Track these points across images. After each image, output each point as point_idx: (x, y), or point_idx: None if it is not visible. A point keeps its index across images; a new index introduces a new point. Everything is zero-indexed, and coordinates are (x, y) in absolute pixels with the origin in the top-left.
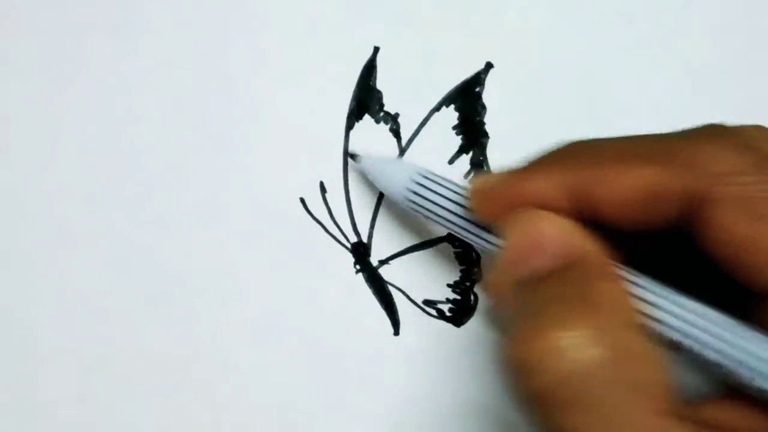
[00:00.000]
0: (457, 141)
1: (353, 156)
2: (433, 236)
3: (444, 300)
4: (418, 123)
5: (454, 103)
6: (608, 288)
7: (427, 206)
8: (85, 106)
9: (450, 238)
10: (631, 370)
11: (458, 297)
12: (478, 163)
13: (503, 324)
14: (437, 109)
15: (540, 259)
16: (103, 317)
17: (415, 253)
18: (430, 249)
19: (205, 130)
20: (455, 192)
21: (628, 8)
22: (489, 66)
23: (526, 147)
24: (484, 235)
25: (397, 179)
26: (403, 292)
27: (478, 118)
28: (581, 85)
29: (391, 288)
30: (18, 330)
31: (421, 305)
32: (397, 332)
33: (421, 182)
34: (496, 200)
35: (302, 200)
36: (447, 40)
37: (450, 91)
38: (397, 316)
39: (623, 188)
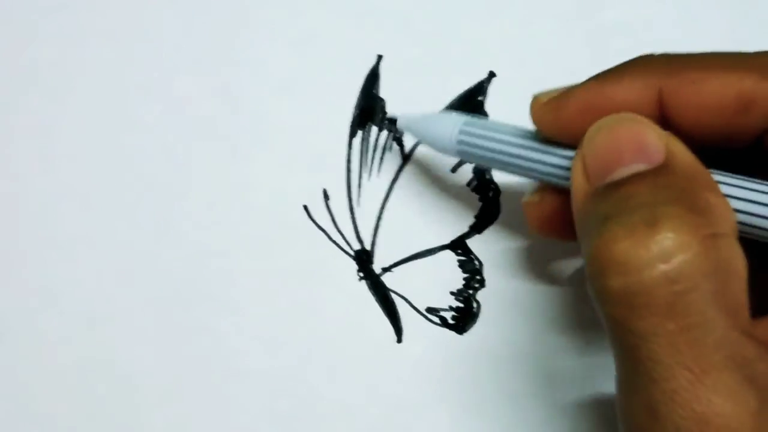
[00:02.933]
0: None
1: (392, 120)
2: (437, 244)
3: (447, 307)
4: None
5: (456, 112)
6: (714, 198)
7: (478, 152)
8: (87, 113)
9: (453, 246)
10: (726, 284)
11: (461, 304)
12: (481, 172)
13: (583, 230)
14: None
15: (641, 161)
16: (106, 323)
17: (418, 261)
18: (433, 256)
19: (209, 138)
20: (506, 131)
21: (629, 17)
22: (492, 75)
23: None
24: (548, 159)
25: (444, 132)
26: (406, 300)
27: None
28: None
29: (393, 295)
30: (21, 335)
31: (424, 313)
32: (399, 339)
33: (469, 129)
34: (573, 111)
35: (305, 208)
36: (450, 49)
37: (453, 100)
38: (400, 323)
39: (716, 93)
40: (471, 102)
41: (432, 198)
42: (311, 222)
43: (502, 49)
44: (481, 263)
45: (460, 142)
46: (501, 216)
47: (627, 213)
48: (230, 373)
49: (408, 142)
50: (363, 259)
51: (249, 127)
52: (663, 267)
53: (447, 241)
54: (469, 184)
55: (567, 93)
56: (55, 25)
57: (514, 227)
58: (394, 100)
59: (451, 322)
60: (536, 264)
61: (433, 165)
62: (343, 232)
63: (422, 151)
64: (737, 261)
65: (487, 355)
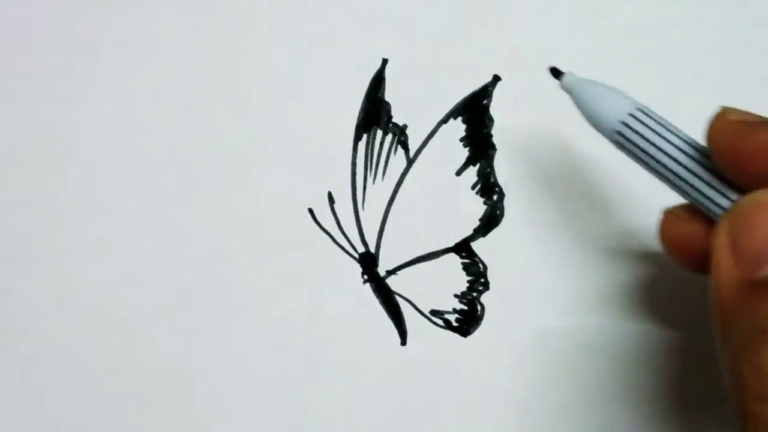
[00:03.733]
0: (464, 153)
1: (557, 72)
2: (441, 247)
3: (451, 310)
4: (426, 134)
5: (461, 115)
6: None
7: (636, 150)
8: (97, 118)
9: (457, 249)
10: None
11: (465, 307)
12: (486, 175)
13: (729, 329)
14: (445, 120)
15: None
16: (113, 327)
17: (423, 264)
18: (438, 259)
19: (215, 142)
20: (680, 137)
21: (636, 21)
22: (496, 78)
23: (533, 159)
24: (711, 191)
25: (610, 109)
26: (411, 302)
27: (485, 130)
28: None
29: (398, 298)
30: (29, 338)
31: (428, 315)
32: (404, 342)
33: (640, 118)
34: (754, 147)
35: (311, 211)
36: (455, 53)
37: (458, 103)
38: (404, 326)
39: None
40: (476, 105)
41: (436, 201)
42: (316, 225)
43: (507, 52)
44: (485, 266)
45: (620, 133)
46: (505, 219)
47: None
48: (236, 375)
49: (413, 145)
50: (368, 261)
51: (254, 130)
52: None
53: (451, 244)
54: (473, 187)
55: (753, 124)
56: (66, 31)
57: (519, 230)
58: (399, 104)
59: (455, 324)
60: (541, 267)
61: (437, 168)
62: (348, 235)
63: (427, 154)
64: None
65: (491, 357)
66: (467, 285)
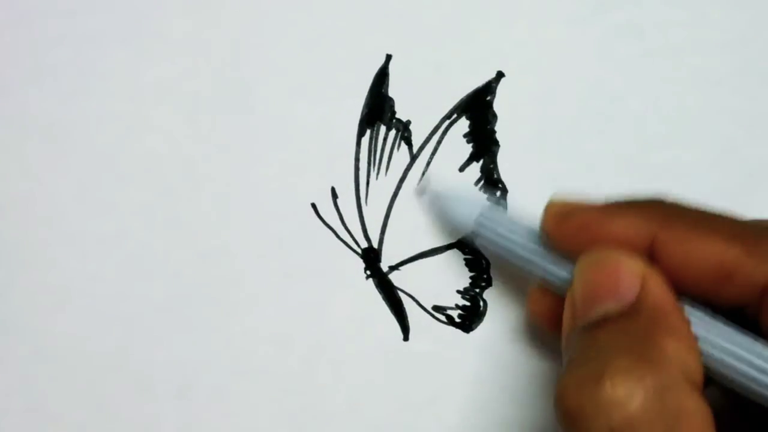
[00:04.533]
0: (467, 149)
1: (421, 189)
2: (443, 243)
3: (453, 306)
4: (430, 130)
5: (465, 112)
6: (673, 344)
7: (490, 244)
8: (101, 113)
9: (460, 245)
10: (680, 430)
11: (467, 303)
12: (489, 171)
13: (564, 358)
14: (448, 117)
15: (611, 301)
16: (114, 323)
17: (425, 259)
18: (440, 255)
19: (218, 137)
20: (524, 227)
21: (640, 20)
22: (500, 75)
23: (536, 155)
24: (552, 268)
25: (465, 213)
26: (413, 298)
27: (488, 127)
28: (591, 96)
29: (400, 293)
30: (33, 334)
31: (431, 311)
32: (406, 338)
33: (490, 217)
34: (574, 228)
35: (314, 206)
36: (458, 49)
37: (461, 100)
38: (407, 321)
39: (700, 257)
40: (479, 102)
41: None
42: (319, 220)
43: (510, 49)
44: (488, 262)
45: (475, 231)
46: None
47: (582, 362)
48: (239, 370)
49: (416, 141)
50: (370, 257)
51: (258, 125)
52: (606, 421)
53: (454, 239)
54: (477, 183)
55: (572, 209)
56: (69, 27)
57: None
58: (403, 100)
59: (457, 320)
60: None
61: (441, 164)
62: (351, 231)
63: (430, 150)
64: (691, 410)
65: (493, 353)
66: (470, 281)
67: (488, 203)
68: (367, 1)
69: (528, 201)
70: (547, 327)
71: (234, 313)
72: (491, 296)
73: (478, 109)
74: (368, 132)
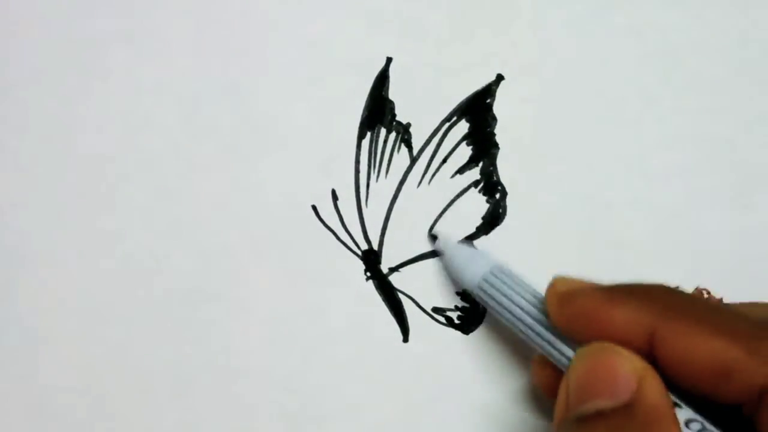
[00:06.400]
0: (467, 151)
1: (433, 236)
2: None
3: (453, 308)
4: (430, 133)
5: (465, 114)
6: None
7: (494, 304)
8: (100, 113)
9: None
10: None
11: (467, 305)
12: (488, 174)
13: None
14: (448, 119)
15: (606, 397)
16: (114, 321)
17: (425, 261)
18: (440, 257)
19: (219, 138)
20: (529, 293)
21: (638, 22)
22: (500, 78)
23: (535, 158)
24: (552, 341)
25: (472, 270)
26: (413, 300)
27: (488, 129)
28: (590, 98)
29: (400, 295)
30: (31, 332)
31: (430, 313)
32: (406, 339)
33: (497, 277)
34: (575, 313)
35: (314, 208)
36: (459, 52)
37: (461, 102)
38: (407, 323)
39: (699, 353)
40: (479, 104)
41: (439, 199)
42: (320, 222)
43: (510, 51)
44: None
45: (480, 288)
46: (507, 218)
47: None
48: (238, 371)
49: (416, 144)
50: (370, 259)
51: (259, 128)
52: None
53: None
54: (476, 185)
55: (574, 293)
56: (69, 27)
57: (521, 229)
58: (404, 103)
59: (457, 322)
60: (542, 265)
61: (440, 166)
62: (351, 233)
63: (430, 153)
64: None
65: (493, 355)
66: None
67: (495, 263)
68: (368, 3)
69: (528, 204)
70: (548, 395)
71: (234, 314)
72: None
73: (477, 112)
74: (368, 134)
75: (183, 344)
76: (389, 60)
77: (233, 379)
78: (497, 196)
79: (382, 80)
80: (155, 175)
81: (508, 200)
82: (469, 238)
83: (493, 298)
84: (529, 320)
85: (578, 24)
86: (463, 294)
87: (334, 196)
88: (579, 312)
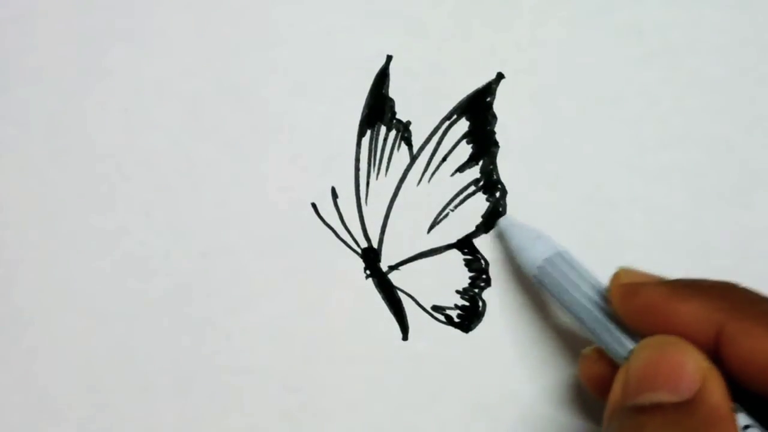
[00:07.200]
0: (467, 150)
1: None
2: (443, 243)
3: (452, 306)
4: (430, 131)
5: (465, 113)
6: None
7: (553, 288)
8: (102, 112)
9: (459, 245)
10: None
11: (467, 303)
12: (488, 172)
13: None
14: (448, 117)
15: (668, 391)
16: (116, 319)
17: (425, 259)
18: (440, 255)
19: (219, 136)
20: (591, 282)
21: (639, 21)
22: (500, 76)
23: (536, 156)
24: (612, 332)
25: (534, 251)
26: (412, 298)
27: (488, 128)
28: (591, 96)
29: (400, 293)
30: (32, 331)
31: (430, 311)
32: (405, 337)
33: (557, 262)
34: (640, 306)
35: (314, 205)
36: (459, 50)
37: (461, 101)
38: (406, 321)
39: (766, 354)
40: (479, 103)
41: (439, 197)
42: (319, 220)
43: (510, 49)
44: (487, 262)
45: (541, 270)
46: (507, 216)
47: None
48: (238, 369)
49: (416, 142)
50: (370, 257)
51: (259, 125)
52: None
53: (453, 240)
54: (476, 183)
55: (640, 285)
56: (69, 26)
57: None
58: (404, 101)
59: (456, 320)
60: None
61: (440, 165)
62: (351, 231)
63: (430, 151)
64: None
65: (493, 353)
66: (469, 281)
67: (559, 248)
68: (368, 2)
69: (527, 202)
70: (594, 392)
71: (234, 311)
72: (490, 296)
73: (478, 110)
74: (368, 132)
75: (183, 342)
76: (389, 58)
77: (233, 377)
78: (497, 194)
79: (382, 78)
80: (155, 174)
81: (508, 199)
82: (469, 237)
83: (554, 283)
84: (590, 309)
85: (578, 23)
86: (463, 292)
87: (334, 194)
88: (644, 304)
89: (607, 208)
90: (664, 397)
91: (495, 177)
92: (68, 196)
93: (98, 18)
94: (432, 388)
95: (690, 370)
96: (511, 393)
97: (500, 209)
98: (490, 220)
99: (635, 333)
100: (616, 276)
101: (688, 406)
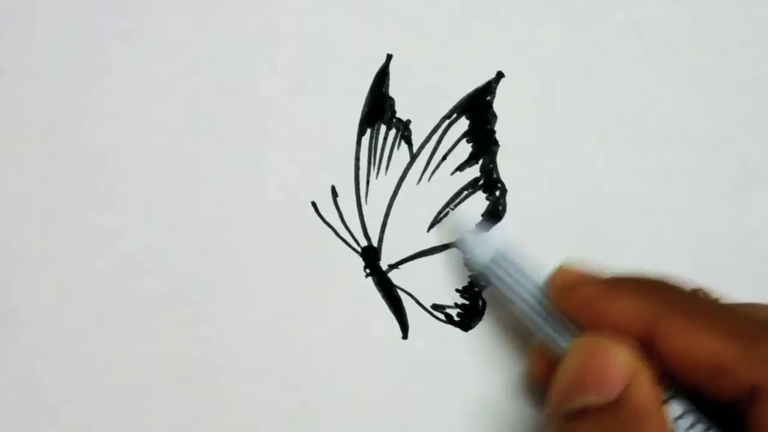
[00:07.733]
0: (467, 148)
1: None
2: (443, 242)
3: (452, 305)
4: (430, 130)
5: (465, 111)
6: None
7: (501, 284)
8: (100, 110)
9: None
10: None
11: (466, 302)
12: (488, 171)
13: None
14: (448, 116)
15: (594, 393)
16: (115, 319)
17: (425, 258)
18: (440, 254)
19: (219, 135)
20: (532, 280)
21: (639, 20)
22: (500, 75)
23: (535, 155)
24: (552, 329)
25: (480, 252)
26: (412, 297)
27: (488, 126)
28: (590, 95)
29: (400, 292)
30: (31, 330)
31: (430, 309)
32: (405, 336)
33: (502, 261)
34: (576, 301)
35: (314, 204)
36: (459, 49)
37: (461, 100)
38: (406, 320)
39: (695, 350)
40: (479, 102)
41: (439, 196)
42: (319, 219)
43: (510, 49)
44: None
45: (488, 268)
46: (507, 214)
47: None
48: (237, 368)
49: (416, 141)
50: (370, 255)
51: (259, 124)
52: None
53: (453, 239)
54: (476, 182)
55: (577, 282)
56: (69, 25)
57: (520, 226)
58: (403, 99)
59: (456, 319)
60: (541, 263)
61: (440, 163)
62: (351, 229)
63: (430, 150)
64: None
65: (492, 352)
66: (469, 280)
67: (503, 249)
68: (368, 1)
69: (527, 201)
70: (542, 387)
71: (233, 310)
72: (490, 295)
73: (477, 109)
74: (368, 131)
75: (181, 340)
76: (389, 57)
77: (233, 376)
78: (497, 193)
79: (382, 77)
80: (155, 172)
81: (508, 197)
82: None
83: (498, 282)
84: (530, 306)
85: (578, 22)
86: (463, 290)
87: (334, 193)
88: (579, 302)
89: (606, 207)
90: (592, 399)
91: (495, 176)
92: (67, 194)
93: (98, 17)
94: (432, 386)
95: (615, 369)
96: (511, 391)
97: (500, 208)
98: (490, 219)
99: (573, 331)
100: (554, 273)
101: (613, 407)
